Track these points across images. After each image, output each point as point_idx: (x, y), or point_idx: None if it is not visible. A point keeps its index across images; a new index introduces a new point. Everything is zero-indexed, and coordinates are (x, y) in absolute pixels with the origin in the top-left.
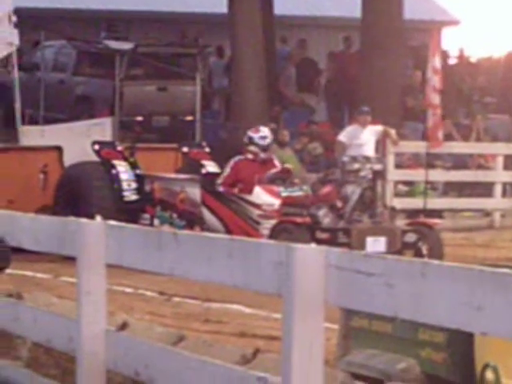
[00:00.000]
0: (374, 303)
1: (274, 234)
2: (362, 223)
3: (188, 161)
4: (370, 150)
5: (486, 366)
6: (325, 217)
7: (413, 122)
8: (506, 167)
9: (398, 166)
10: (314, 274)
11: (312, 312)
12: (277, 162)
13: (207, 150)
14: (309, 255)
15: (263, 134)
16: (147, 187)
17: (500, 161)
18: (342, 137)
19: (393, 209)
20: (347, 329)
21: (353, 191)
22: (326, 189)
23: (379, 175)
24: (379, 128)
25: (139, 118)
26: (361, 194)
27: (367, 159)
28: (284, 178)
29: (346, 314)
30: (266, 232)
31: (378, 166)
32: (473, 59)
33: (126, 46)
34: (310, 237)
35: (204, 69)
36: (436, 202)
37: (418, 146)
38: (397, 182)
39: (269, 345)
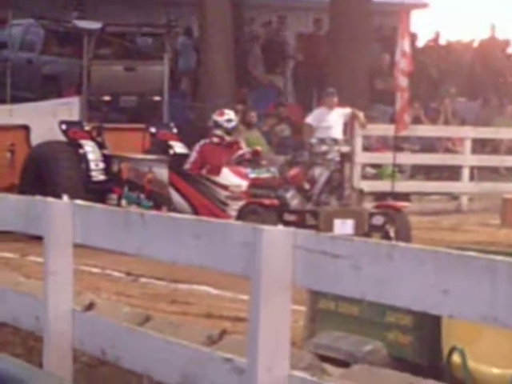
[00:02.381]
0: (341, 285)
1: (242, 215)
2: (330, 205)
3: (156, 142)
4: (337, 133)
5: (452, 349)
6: (293, 199)
7: (381, 104)
8: (474, 151)
9: (366, 148)
10: (281, 256)
11: (279, 293)
12: (243, 145)
13: (175, 130)
14: (276, 237)
15: (228, 117)
16: (115, 167)
17: (468, 144)
18: (310, 119)
19: (361, 191)
20: (314, 311)
21: (321, 173)
22: (294, 171)
23: (347, 157)
24: (347, 110)
25: (107, 98)
26: (329, 177)
27: (335, 141)
28: (253, 159)
29: (313, 295)
30: (233, 213)
31: (345, 149)
32: (442, 42)
33: (94, 25)
34: (278, 219)
35: (171, 49)
36: (403, 185)
37: (386, 129)
38: (364, 165)
39: (236, 326)
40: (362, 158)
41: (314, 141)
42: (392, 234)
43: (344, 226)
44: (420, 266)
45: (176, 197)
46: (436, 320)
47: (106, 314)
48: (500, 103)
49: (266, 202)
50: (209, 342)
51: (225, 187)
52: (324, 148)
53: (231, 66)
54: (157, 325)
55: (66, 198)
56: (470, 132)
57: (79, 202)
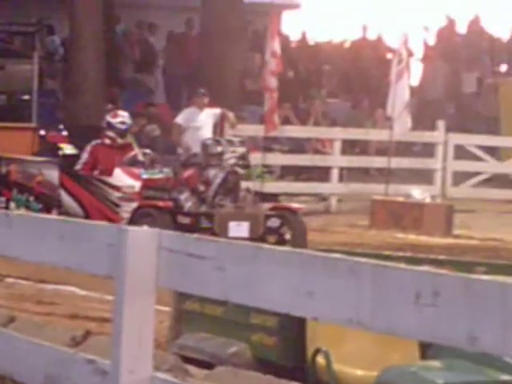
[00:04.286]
0: (206, 287)
1: (135, 218)
2: (225, 208)
3: (45, 144)
4: (207, 133)
5: (317, 351)
6: (187, 201)
7: (252, 105)
8: (343, 152)
9: None
10: (145, 257)
11: (143, 294)
12: (135, 147)
13: (65, 133)
14: (141, 237)
15: (122, 119)
16: (3, 169)
17: (337, 145)
18: (180, 119)
19: (256, 193)
20: (179, 312)
21: (215, 175)
22: (188, 172)
23: (243, 159)
24: (217, 111)
25: None
26: (224, 178)
27: (230, 142)
28: (145, 161)
29: (178, 296)
30: (126, 215)
31: (241, 150)
32: (312, 43)
33: None
34: (172, 221)
35: (42, 47)
36: (272, 186)
37: (256, 130)
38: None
39: (101, 327)
40: None
41: (209, 142)
42: (288, 236)
43: (239, 229)
44: (285, 267)
45: (66, 199)
46: (301, 322)
47: None
48: (371, 105)
49: (160, 204)
50: (72, 343)
51: (117, 188)
52: (219, 149)
53: (101, 65)
54: (21, 325)
55: None
56: (339, 133)
57: None
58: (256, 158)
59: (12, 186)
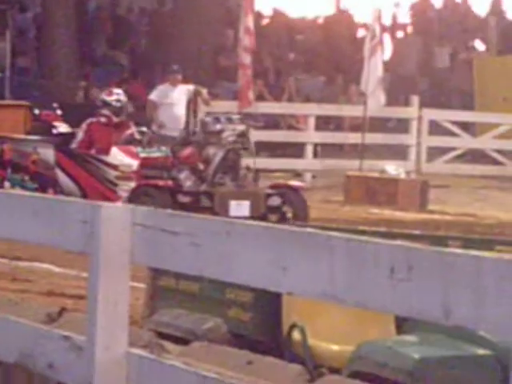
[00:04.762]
0: (180, 262)
1: (134, 197)
2: (225, 186)
3: (39, 122)
4: (181, 110)
5: (293, 327)
6: (186, 180)
7: (225, 81)
8: (318, 128)
9: None
10: (119, 233)
11: (117, 271)
12: (132, 125)
13: (59, 112)
14: (114, 213)
15: (117, 96)
16: None
17: (311, 121)
18: (153, 96)
19: (257, 171)
20: (154, 288)
21: (215, 153)
22: (187, 150)
23: (243, 136)
24: (191, 87)
25: None
26: (223, 157)
27: (229, 120)
28: (142, 139)
29: (153, 273)
30: (124, 194)
31: (241, 127)
32: (286, 19)
33: None
34: (172, 200)
35: (14, 25)
36: (247, 162)
37: (230, 106)
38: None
39: (77, 304)
40: None
41: (207, 119)
42: (289, 214)
43: (240, 208)
44: (258, 242)
45: (63, 178)
46: (276, 297)
47: None
48: (344, 82)
49: (160, 183)
50: (48, 319)
51: (114, 167)
52: (218, 127)
53: (74, 42)
54: None
55: None
56: (313, 109)
57: None
58: None
59: (6, 165)
